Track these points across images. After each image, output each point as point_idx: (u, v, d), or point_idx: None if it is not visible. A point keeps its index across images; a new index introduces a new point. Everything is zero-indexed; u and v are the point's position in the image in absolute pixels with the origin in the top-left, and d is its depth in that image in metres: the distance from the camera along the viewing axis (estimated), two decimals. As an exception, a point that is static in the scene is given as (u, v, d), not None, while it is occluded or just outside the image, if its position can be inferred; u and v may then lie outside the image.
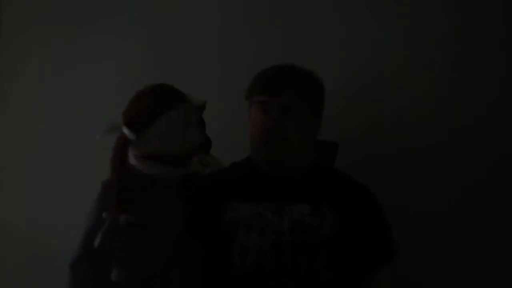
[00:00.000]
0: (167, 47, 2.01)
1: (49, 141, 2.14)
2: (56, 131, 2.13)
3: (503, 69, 1.63)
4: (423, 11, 1.71)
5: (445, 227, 1.63)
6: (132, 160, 1.28)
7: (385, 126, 1.72)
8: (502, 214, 1.59)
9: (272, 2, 1.90)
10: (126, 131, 1.24)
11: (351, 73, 1.75)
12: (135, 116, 1.25)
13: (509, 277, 1.57)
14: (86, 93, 2.07)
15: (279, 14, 1.88)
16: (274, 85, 1.29)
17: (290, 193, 1.29)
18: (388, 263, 1.31)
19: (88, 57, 2.11)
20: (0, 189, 2.24)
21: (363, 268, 1.29)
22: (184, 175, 1.32)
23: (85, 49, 2.12)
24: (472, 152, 1.64)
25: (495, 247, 1.59)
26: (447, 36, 1.68)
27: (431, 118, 1.68)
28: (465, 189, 1.63)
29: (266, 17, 1.90)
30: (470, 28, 1.67)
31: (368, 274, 1.30)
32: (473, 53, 1.66)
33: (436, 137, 1.67)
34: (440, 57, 1.69)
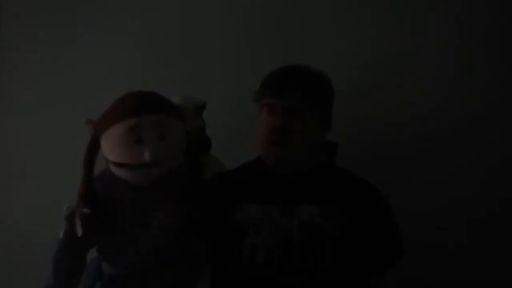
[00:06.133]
0: (167, 47, 2.01)
1: (49, 141, 2.14)
2: (56, 131, 2.13)
3: (504, 68, 1.63)
4: (423, 11, 1.71)
5: (444, 227, 1.63)
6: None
7: (385, 126, 1.72)
8: (502, 214, 1.60)
9: (272, 2, 1.90)
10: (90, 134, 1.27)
11: (351, 73, 1.76)
12: (97, 121, 1.27)
13: (509, 277, 1.57)
14: (86, 93, 2.07)
15: (279, 14, 1.89)
16: (279, 88, 1.31)
17: (298, 193, 1.30)
18: (397, 263, 1.31)
19: (88, 57, 2.11)
20: (0, 189, 2.24)
21: (371, 267, 1.29)
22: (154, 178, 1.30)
23: (85, 49, 2.12)
24: (472, 151, 1.64)
25: (495, 247, 1.59)
26: (447, 35, 1.68)
27: (431, 118, 1.68)
28: (464, 189, 1.63)
29: (266, 18, 1.90)
30: (470, 27, 1.67)
31: (376, 274, 1.31)
32: (473, 53, 1.66)
33: (436, 137, 1.67)
34: (440, 57, 1.69)
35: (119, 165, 1.24)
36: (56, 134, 2.13)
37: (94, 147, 1.26)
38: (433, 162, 1.67)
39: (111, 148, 1.24)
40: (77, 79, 2.11)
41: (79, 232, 1.21)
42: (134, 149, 1.20)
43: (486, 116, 1.64)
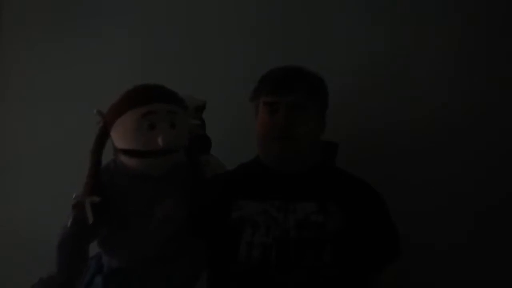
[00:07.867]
0: (168, 47, 2.01)
1: (49, 140, 2.14)
2: (56, 131, 2.14)
3: (504, 68, 1.63)
4: (423, 12, 1.71)
5: (444, 226, 1.63)
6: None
7: (385, 126, 1.72)
8: (502, 214, 1.60)
9: (272, 3, 1.90)
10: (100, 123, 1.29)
11: (351, 73, 1.76)
12: (108, 110, 1.29)
13: (509, 277, 1.57)
14: (86, 93, 2.07)
15: (279, 15, 1.89)
16: (283, 85, 1.31)
17: (296, 191, 1.30)
18: (394, 260, 1.31)
19: (88, 57, 2.11)
20: (0, 189, 2.25)
21: (369, 265, 1.29)
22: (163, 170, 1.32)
23: (85, 49, 2.12)
24: (472, 151, 1.64)
25: (495, 247, 1.59)
26: (447, 36, 1.69)
27: (431, 118, 1.68)
28: (464, 189, 1.63)
29: (266, 18, 1.90)
30: (470, 28, 1.67)
31: (374, 271, 1.31)
32: (473, 54, 1.66)
33: (436, 137, 1.67)
34: (440, 57, 1.69)
35: (130, 153, 1.26)
36: (56, 134, 2.13)
37: (103, 136, 1.29)
38: (433, 162, 1.67)
39: (123, 134, 1.26)
40: (77, 79, 2.12)
41: (90, 219, 1.22)
42: (147, 135, 1.23)
43: (486, 116, 1.64)
